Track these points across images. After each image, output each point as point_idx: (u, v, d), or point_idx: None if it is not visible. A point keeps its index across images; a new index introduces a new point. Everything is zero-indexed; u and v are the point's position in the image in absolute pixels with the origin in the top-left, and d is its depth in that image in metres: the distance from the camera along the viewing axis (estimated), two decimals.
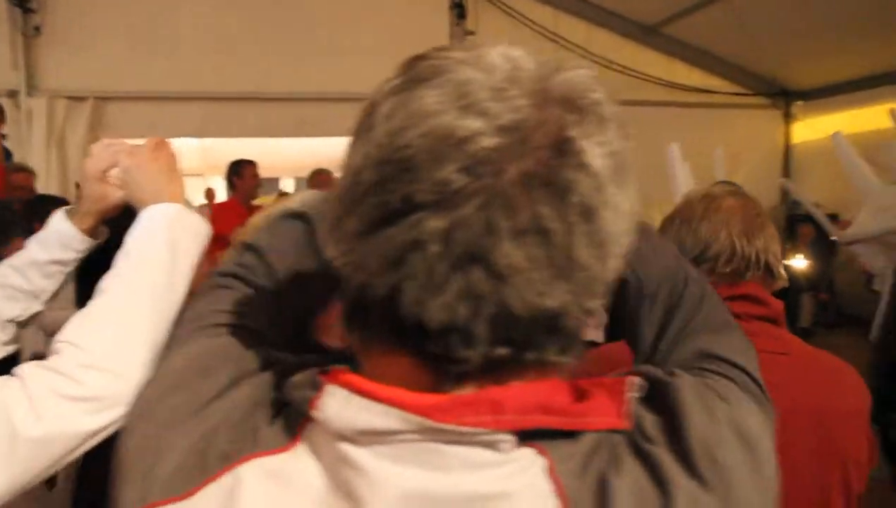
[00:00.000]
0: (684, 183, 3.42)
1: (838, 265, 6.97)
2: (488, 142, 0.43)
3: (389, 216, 0.44)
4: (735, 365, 0.61)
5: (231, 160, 10.99)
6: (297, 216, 0.78)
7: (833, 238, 4.33)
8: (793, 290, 6.35)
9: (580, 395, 0.51)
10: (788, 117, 8.03)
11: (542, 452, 0.48)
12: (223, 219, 4.38)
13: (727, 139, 7.82)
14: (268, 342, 0.65)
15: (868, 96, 6.66)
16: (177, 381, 0.60)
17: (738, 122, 7.95)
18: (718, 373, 0.60)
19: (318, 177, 5.11)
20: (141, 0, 6.22)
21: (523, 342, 0.46)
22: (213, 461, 0.51)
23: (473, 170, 0.43)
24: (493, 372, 0.47)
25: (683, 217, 1.22)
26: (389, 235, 0.44)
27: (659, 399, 0.54)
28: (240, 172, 4.44)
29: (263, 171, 5.28)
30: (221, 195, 12.77)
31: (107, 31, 6.16)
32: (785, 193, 7.92)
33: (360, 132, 0.48)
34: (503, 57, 0.49)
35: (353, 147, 0.49)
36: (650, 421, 0.52)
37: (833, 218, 5.12)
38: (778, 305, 1.16)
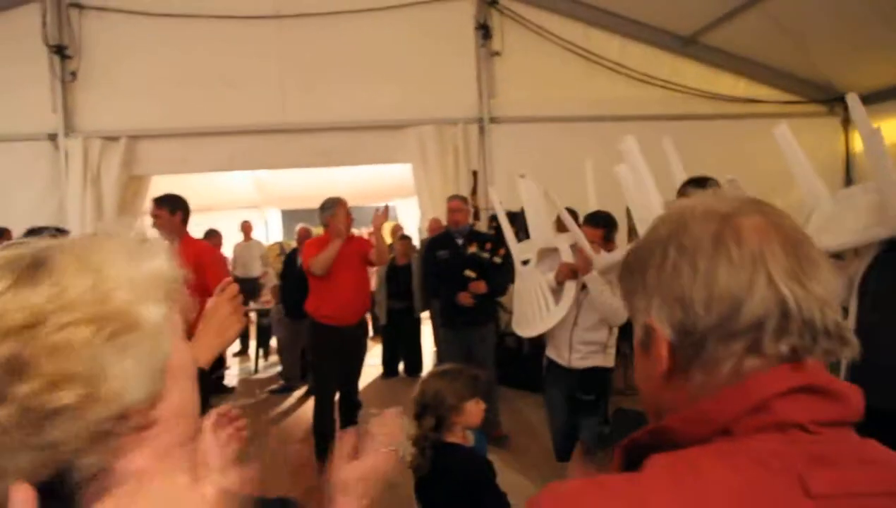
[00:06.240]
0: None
1: None
2: None
3: None
4: None
5: (285, 193, 11.12)
6: None
7: None
8: None
9: None
10: (848, 124, 7.42)
11: None
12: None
13: (779, 151, 7.28)
14: None
15: None
16: None
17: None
18: None
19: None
20: (168, 44, 6.43)
21: None
22: None
23: None
24: None
25: (681, 247, 0.71)
26: None
27: None
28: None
29: (316, 202, 4.91)
30: (274, 226, 13.00)
31: (138, 74, 6.39)
32: None
33: None
34: None
35: None
36: None
37: None
38: (858, 397, 0.69)
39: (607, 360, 3.70)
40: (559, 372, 3.75)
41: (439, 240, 5.26)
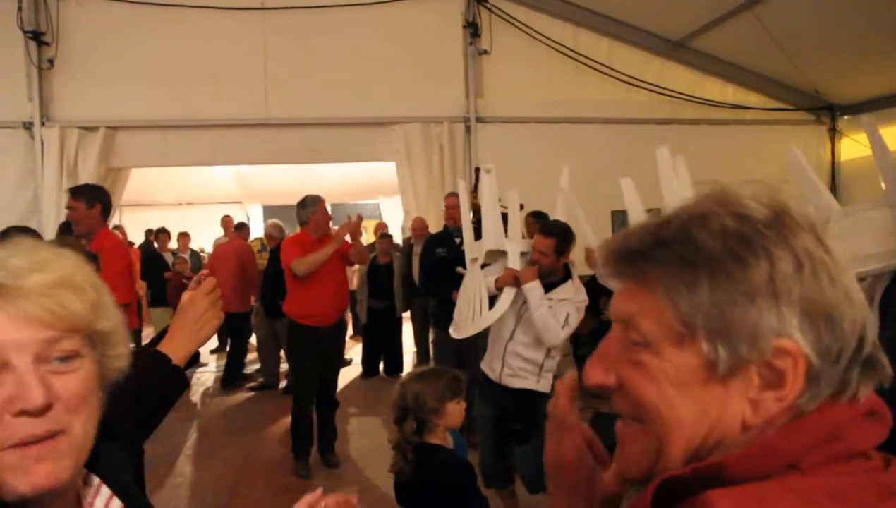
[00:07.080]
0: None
1: None
2: None
3: None
4: None
5: (267, 189, 10.99)
6: None
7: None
8: None
9: None
10: (834, 133, 7.44)
11: None
12: None
13: (766, 158, 7.30)
14: None
15: None
16: None
17: (778, 140, 7.40)
18: None
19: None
20: (150, 32, 6.28)
21: None
22: None
23: None
24: None
25: (808, 252, 0.60)
26: None
27: None
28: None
29: (298, 198, 4.79)
30: (256, 222, 12.89)
31: (118, 62, 6.24)
32: None
33: None
34: None
35: None
36: None
37: None
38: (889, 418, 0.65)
39: (541, 385, 3.38)
40: (490, 388, 3.47)
41: (438, 237, 5.23)
